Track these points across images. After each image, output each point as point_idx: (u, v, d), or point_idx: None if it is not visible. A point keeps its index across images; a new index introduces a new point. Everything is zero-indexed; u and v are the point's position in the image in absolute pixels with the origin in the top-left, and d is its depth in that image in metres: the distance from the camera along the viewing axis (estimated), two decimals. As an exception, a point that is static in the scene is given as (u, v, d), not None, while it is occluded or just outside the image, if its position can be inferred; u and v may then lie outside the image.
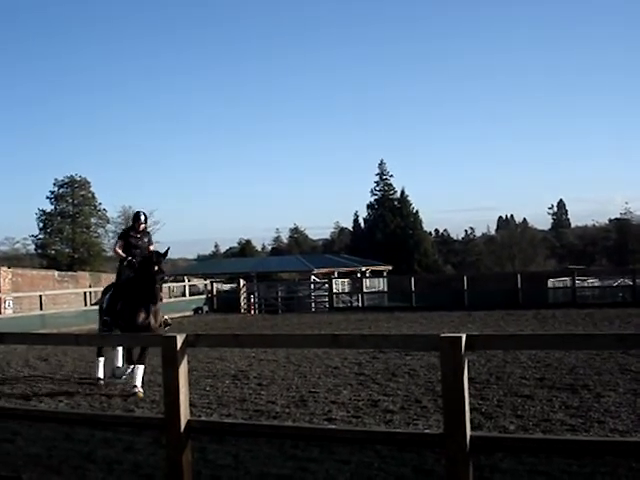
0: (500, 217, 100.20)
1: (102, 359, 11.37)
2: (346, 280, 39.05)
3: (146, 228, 12.07)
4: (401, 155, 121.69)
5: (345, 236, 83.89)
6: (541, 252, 78.79)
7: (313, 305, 34.14)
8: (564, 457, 5.81)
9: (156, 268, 10.66)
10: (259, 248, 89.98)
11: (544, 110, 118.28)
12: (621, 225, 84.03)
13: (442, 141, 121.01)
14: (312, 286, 36.96)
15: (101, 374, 11.33)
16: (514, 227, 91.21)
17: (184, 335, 5.17)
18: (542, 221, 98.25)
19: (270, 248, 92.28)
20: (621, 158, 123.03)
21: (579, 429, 7.31)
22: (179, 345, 5.04)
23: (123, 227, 16.07)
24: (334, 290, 34.17)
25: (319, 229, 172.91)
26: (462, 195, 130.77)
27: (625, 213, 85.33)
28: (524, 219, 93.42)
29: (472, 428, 7.34)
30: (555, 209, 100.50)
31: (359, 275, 44.57)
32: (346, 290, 36.54)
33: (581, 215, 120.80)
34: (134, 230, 11.78)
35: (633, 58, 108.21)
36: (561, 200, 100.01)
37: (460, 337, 4.23)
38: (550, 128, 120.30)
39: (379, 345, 5.47)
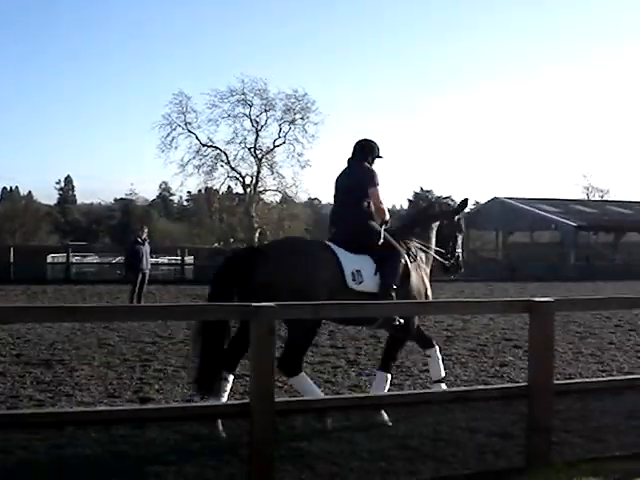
0: (4, 188, 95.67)
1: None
2: None
3: None
4: None
5: None
6: (45, 227, 77.39)
7: None
8: (24, 432, 5.72)
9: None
10: None
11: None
12: (126, 205, 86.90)
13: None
14: None
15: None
16: (18, 199, 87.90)
17: None
18: (48, 195, 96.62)
19: None
20: (130, 140, 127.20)
21: (47, 403, 7.28)
22: None
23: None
24: None
25: None
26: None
27: (130, 194, 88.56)
28: (29, 192, 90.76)
29: None
30: (62, 184, 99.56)
31: None
32: None
33: (88, 192, 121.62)
34: None
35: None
36: (69, 176, 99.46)
37: None
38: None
39: None
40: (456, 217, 7.78)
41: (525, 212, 47.55)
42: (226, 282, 6.49)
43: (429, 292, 7.23)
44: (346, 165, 7.38)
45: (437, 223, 7.62)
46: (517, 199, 50.15)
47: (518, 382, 7.82)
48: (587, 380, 7.65)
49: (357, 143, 7.37)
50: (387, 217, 7.17)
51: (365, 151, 7.31)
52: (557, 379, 7.24)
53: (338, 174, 7.42)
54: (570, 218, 44.77)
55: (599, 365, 9.72)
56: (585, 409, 6.85)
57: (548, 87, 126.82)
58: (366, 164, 7.25)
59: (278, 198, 55.43)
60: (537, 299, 5.52)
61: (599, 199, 66.55)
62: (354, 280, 6.55)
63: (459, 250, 7.79)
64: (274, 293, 5.90)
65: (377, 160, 7.39)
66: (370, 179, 7.12)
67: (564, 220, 44.57)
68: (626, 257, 42.33)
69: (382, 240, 6.92)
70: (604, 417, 6.67)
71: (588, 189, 73.38)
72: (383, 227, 7.09)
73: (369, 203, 7.10)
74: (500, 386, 7.24)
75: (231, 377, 6.52)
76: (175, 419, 5.22)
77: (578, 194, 69.91)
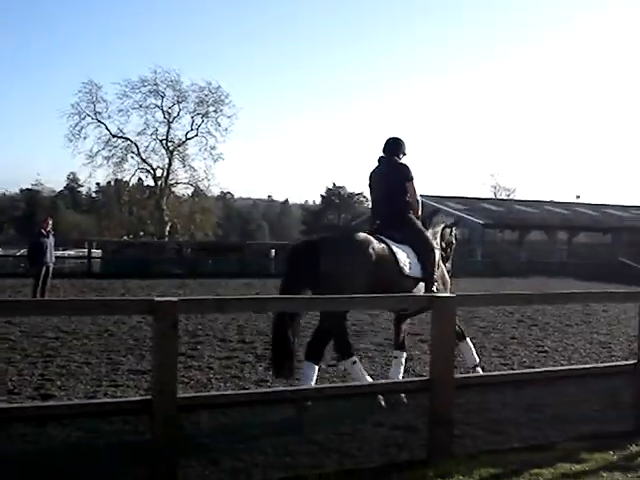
0: None
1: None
2: None
3: None
4: None
5: None
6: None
7: None
8: None
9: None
10: None
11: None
12: (31, 196, 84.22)
13: None
14: None
15: None
16: None
17: None
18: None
19: None
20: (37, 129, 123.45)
21: (-59, 401, 6.98)
22: None
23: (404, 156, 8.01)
24: None
25: None
26: None
27: (36, 184, 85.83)
28: None
29: None
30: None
31: None
32: None
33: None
34: None
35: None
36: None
37: None
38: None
39: None
40: (454, 228, 8.66)
41: (434, 209, 48.30)
42: (297, 271, 6.95)
43: (450, 285, 8.12)
44: (377, 163, 7.94)
45: (440, 229, 8.33)
46: (426, 196, 50.70)
47: (422, 376, 7.96)
48: (488, 374, 7.84)
49: (387, 141, 7.93)
50: (420, 211, 7.93)
51: (394, 148, 7.92)
52: (460, 373, 7.43)
53: (371, 171, 7.98)
54: (477, 216, 45.83)
55: (501, 359, 9.99)
56: (486, 402, 7.04)
57: (460, 86, 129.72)
58: (396, 159, 7.87)
59: (190, 191, 54.89)
60: (439, 294, 5.63)
61: (506, 198, 68.44)
62: (407, 267, 7.26)
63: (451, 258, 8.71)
64: (334, 284, 6.55)
65: (404, 157, 7.95)
66: (405, 174, 7.81)
67: (471, 218, 45.64)
68: (530, 254, 43.60)
69: (420, 232, 7.64)
70: (505, 410, 6.88)
71: (495, 188, 75.50)
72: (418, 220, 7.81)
73: (408, 196, 7.75)
74: (403, 380, 7.35)
75: (316, 367, 6.92)
76: (76, 416, 5.10)
77: (486, 193, 71.86)
